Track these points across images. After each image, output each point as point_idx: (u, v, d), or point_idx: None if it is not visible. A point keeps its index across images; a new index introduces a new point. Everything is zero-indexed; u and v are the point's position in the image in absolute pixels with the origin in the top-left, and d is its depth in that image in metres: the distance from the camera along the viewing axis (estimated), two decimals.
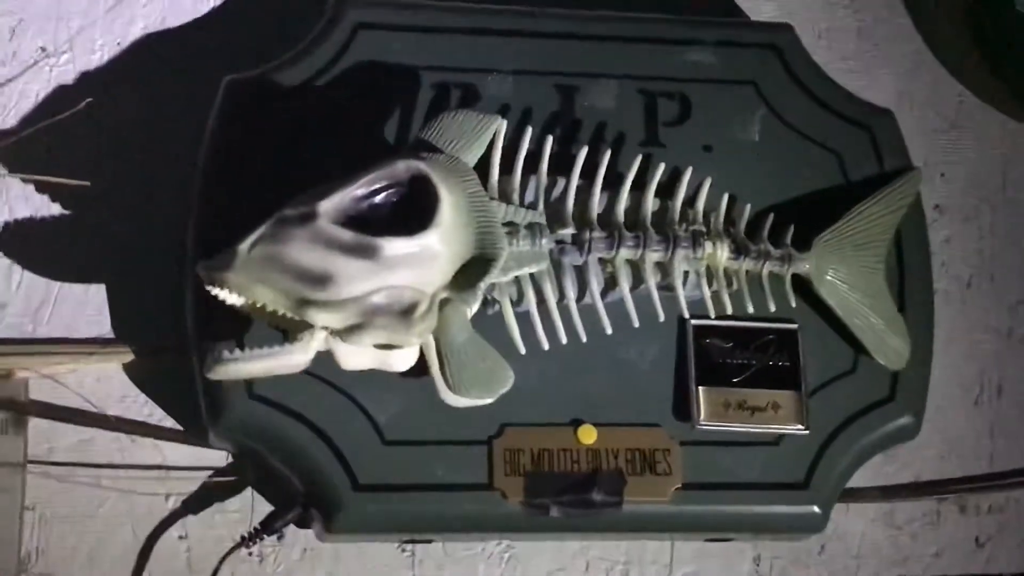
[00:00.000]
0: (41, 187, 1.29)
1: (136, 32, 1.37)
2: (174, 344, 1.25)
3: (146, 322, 1.29)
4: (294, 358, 1.12)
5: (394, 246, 1.10)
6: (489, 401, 1.17)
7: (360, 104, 1.30)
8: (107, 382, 1.28)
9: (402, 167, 1.14)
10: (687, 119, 1.35)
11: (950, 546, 1.41)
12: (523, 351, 1.21)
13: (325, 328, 1.11)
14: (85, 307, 1.30)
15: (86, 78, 1.35)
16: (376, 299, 1.11)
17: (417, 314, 1.12)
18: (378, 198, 1.14)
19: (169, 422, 1.29)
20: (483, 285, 1.14)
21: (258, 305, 1.11)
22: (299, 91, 1.29)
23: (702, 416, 1.27)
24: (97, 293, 1.30)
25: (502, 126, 1.22)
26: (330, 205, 1.12)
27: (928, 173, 1.46)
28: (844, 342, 1.31)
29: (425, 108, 1.30)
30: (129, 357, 1.28)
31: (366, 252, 1.10)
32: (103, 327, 1.30)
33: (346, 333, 1.11)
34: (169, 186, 1.31)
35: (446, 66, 1.32)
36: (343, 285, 1.10)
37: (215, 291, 1.10)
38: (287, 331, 1.15)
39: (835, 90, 1.40)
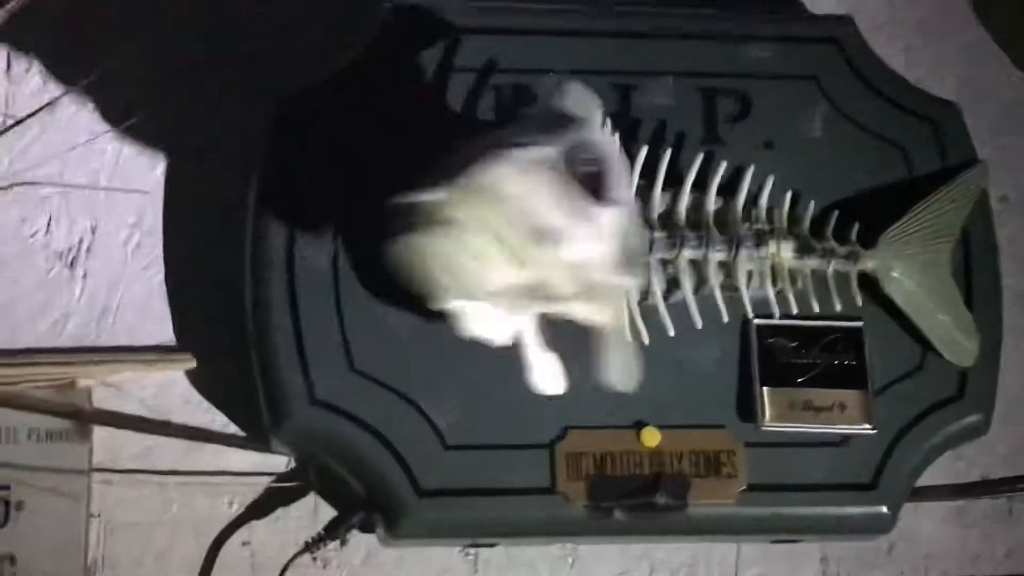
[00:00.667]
0: (102, 196, 1.30)
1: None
2: (235, 351, 1.25)
3: (207, 329, 1.30)
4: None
5: (611, 216, 1.02)
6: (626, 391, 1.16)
7: (412, 111, 1.29)
8: (169, 389, 1.29)
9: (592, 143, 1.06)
10: (747, 116, 1.33)
11: (1022, 545, 1.38)
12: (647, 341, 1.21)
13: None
14: (147, 315, 1.31)
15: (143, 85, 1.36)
16: (590, 273, 1.04)
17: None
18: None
19: (232, 428, 1.30)
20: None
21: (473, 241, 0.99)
22: (353, 105, 1.28)
23: (767, 417, 1.25)
24: (159, 301, 1.31)
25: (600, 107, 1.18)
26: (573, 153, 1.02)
27: (992, 164, 1.41)
28: (911, 340, 1.29)
29: (483, 113, 1.29)
30: (191, 364, 1.29)
31: (596, 217, 1.02)
32: (165, 335, 1.30)
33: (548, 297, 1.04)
34: (225, 191, 1.31)
35: (501, 67, 1.31)
36: (570, 246, 1.01)
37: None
38: None
39: (897, 83, 1.38)
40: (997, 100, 1.50)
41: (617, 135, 1.19)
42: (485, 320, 1.09)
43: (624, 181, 1.05)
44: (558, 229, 0.99)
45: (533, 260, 1.00)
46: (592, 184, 1.02)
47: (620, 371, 1.14)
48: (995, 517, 1.39)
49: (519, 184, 0.98)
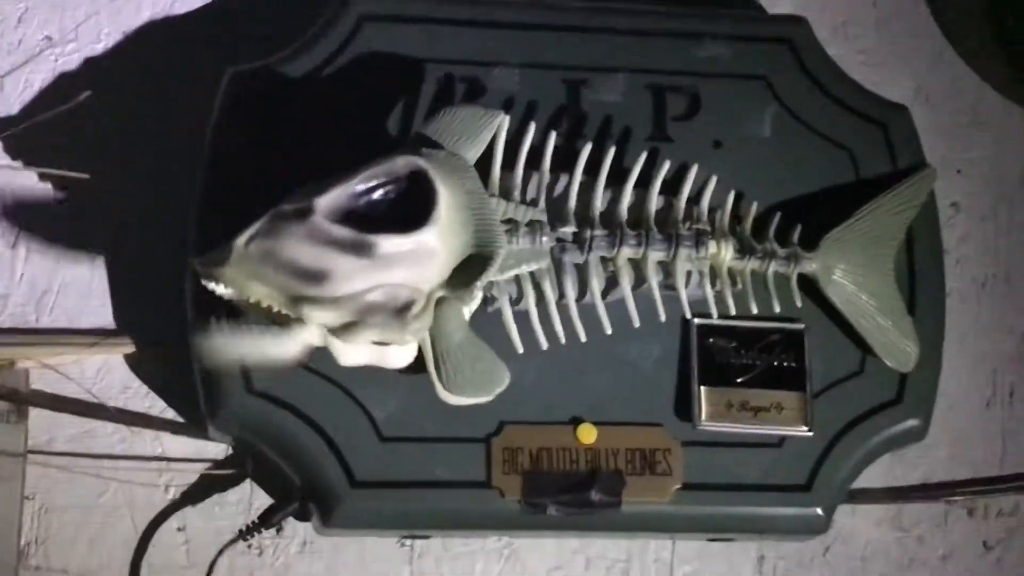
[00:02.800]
0: (43, 178, 1.30)
1: (141, 21, 1.37)
2: (175, 337, 1.24)
3: (148, 314, 1.30)
4: (285, 345, 1.12)
5: (390, 243, 1.09)
6: (486, 401, 1.16)
7: (364, 96, 1.29)
8: (109, 373, 1.29)
9: (400, 163, 1.13)
10: (696, 114, 1.33)
11: (958, 550, 1.39)
12: (521, 351, 1.20)
13: (320, 325, 1.11)
14: (88, 298, 1.30)
15: (91, 67, 1.35)
16: (372, 297, 1.10)
17: (412, 312, 1.11)
18: (376, 194, 1.13)
19: (170, 414, 1.30)
20: (480, 284, 1.13)
21: (252, 301, 1.10)
22: (302, 83, 1.28)
23: (704, 416, 1.25)
24: (100, 284, 1.31)
25: (504, 122, 1.21)
26: (327, 201, 1.11)
27: (945, 170, 1.44)
28: (852, 343, 1.29)
29: (430, 101, 1.29)
30: (131, 349, 1.29)
31: (362, 249, 1.09)
32: (105, 318, 1.30)
33: (341, 331, 1.11)
34: (172, 177, 1.31)
35: (451, 59, 1.31)
36: (338, 282, 1.09)
37: (211, 286, 1.10)
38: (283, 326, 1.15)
39: (849, 86, 1.37)
40: (953, 104, 1.50)
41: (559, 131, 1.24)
42: (351, 352, 1.14)
43: (440, 203, 1.10)
44: (323, 269, 1.07)
45: (310, 301, 1.08)
46: (390, 210, 1.11)
47: (468, 383, 1.15)
48: (932, 521, 1.39)
49: (284, 236, 1.08)
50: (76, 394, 1.27)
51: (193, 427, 1.27)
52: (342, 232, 1.09)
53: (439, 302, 1.13)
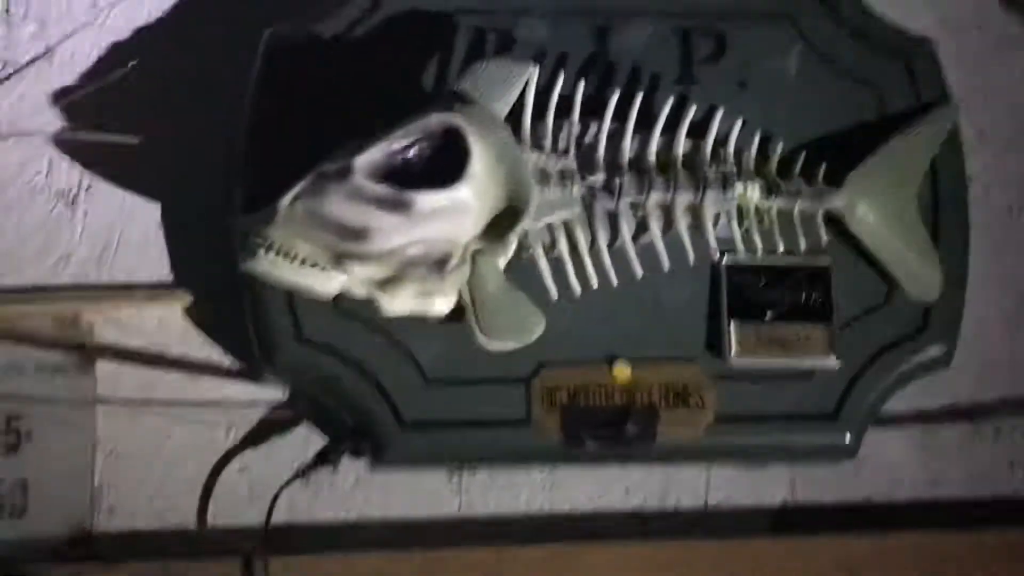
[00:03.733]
0: (97, 143, 1.35)
1: None
2: (230, 289, 1.30)
3: (203, 267, 1.35)
4: (323, 284, 1.18)
5: (427, 200, 1.14)
6: (521, 346, 1.21)
7: (397, 51, 1.33)
8: (168, 325, 1.35)
9: (434, 120, 1.18)
10: (722, 55, 1.36)
11: (983, 470, 1.43)
12: (555, 297, 1.25)
13: (364, 279, 1.17)
14: (145, 253, 1.37)
15: (136, 32, 1.40)
16: (411, 252, 1.16)
17: (450, 265, 1.16)
18: (412, 152, 1.18)
19: (227, 361, 1.36)
20: (513, 236, 1.18)
21: (300, 258, 1.16)
22: (337, 41, 1.33)
23: (735, 351, 1.30)
24: (157, 240, 1.37)
25: (534, 74, 1.25)
26: (365, 160, 1.16)
27: (971, 99, 1.45)
28: (877, 276, 1.33)
29: (462, 53, 1.33)
30: (188, 301, 1.35)
31: (400, 206, 1.14)
32: (163, 272, 1.37)
33: (384, 284, 1.17)
34: (221, 135, 1.35)
35: (481, 9, 1.34)
36: (379, 239, 1.15)
37: (259, 243, 1.16)
38: None
39: (873, 21, 1.40)
40: (978, 33, 1.51)
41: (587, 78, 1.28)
42: (395, 302, 1.19)
43: (474, 159, 1.15)
44: (365, 226, 1.13)
45: (353, 256, 1.14)
46: (426, 167, 1.16)
47: (505, 330, 1.20)
48: (959, 441, 1.43)
49: (326, 196, 1.14)
50: (139, 345, 1.34)
51: (250, 373, 1.34)
52: (381, 190, 1.15)
53: (475, 254, 1.19)
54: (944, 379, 1.41)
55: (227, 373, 1.35)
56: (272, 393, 1.35)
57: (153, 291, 1.35)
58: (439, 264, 1.16)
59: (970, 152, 1.41)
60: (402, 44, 1.33)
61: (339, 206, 1.15)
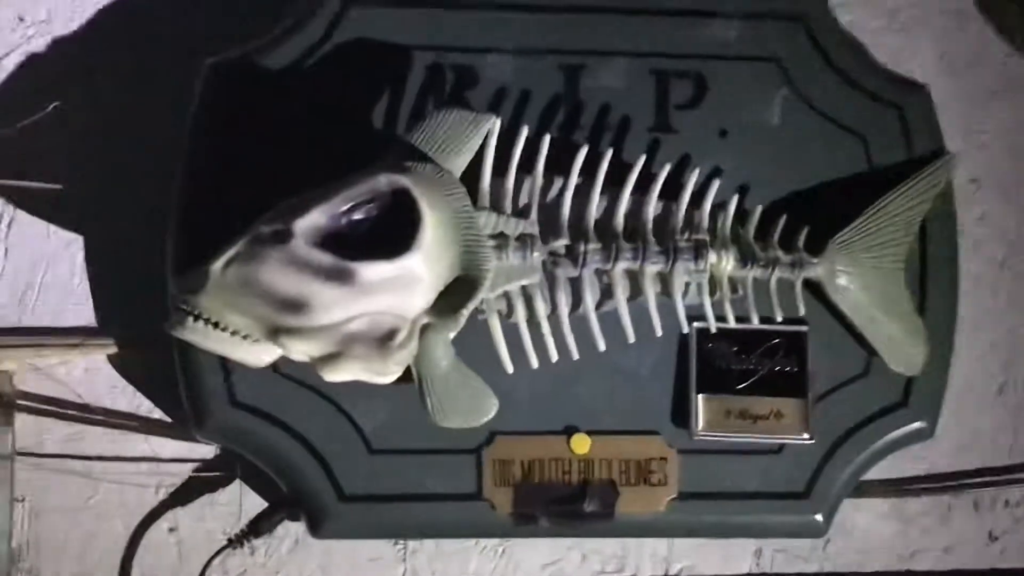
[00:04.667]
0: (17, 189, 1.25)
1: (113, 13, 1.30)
2: (159, 335, 1.19)
3: (131, 312, 1.26)
4: (253, 356, 1.10)
5: (372, 270, 1.05)
6: (473, 427, 1.13)
7: (349, 86, 1.23)
8: (96, 373, 1.27)
9: (383, 181, 1.08)
10: (702, 101, 1.26)
11: (961, 541, 1.36)
12: (510, 370, 1.16)
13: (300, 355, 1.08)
14: (70, 296, 1.27)
15: (65, 63, 1.29)
16: (354, 326, 1.06)
17: (396, 342, 1.07)
18: (357, 214, 1.09)
19: (157, 414, 1.28)
20: (467, 310, 1.09)
21: (230, 332, 1.07)
22: (285, 73, 1.22)
23: (701, 425, 1.22)
24: (81, 283, 1.28)
25: (495, 126, 1.15)
26: (306, 224, 1.06)
27: (966, 143, 1.37)
28: (856, 344, 1.25)
29: (418, 90, 1.23)
30: (115, 348, 1.26)
31: (343, 277, 1.05)
32: (88, 317, 1.27)
33: (322, 362, 1.08)
34: (152, 174, 1.26)
35: (442, 45, 1.24)
36: (318, 312, 1.05)
37: (187, 310, 1.07)
38: None
39: (865, 65, 1.30)
40: (975, 72, 1.41)
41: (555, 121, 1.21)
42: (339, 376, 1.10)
43: (425, 225, 1.06)
44: (303, 298, 1.04)
45: (290, 331, 1.05)
46: (372, 232, 1.07)
47: (456, 412, 1.12)
48: (936, 512, 1.36)
49: (261, 262, 1.05)
50: (63, 395, 1.25)
51: (181, 428, 1.25)
52: (322, 258, 1.05)
53: (424, 329, 1.09)
54: (921, 445, 1.33)
55: (156, 427, 1.27)
56: (204, 449, 1.27)
57: (77, 337, 1.25)
58: (384, 340, 1.07)
59: (962, 201, 1.32)
60: (354, 79, 1.23)
61: (275, 275, 1.05)
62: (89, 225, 1.28)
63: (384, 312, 1.06)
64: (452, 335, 1.12)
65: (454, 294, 1.08)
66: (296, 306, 1.05)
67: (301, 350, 1.07)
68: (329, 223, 1.07)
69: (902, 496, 1.35)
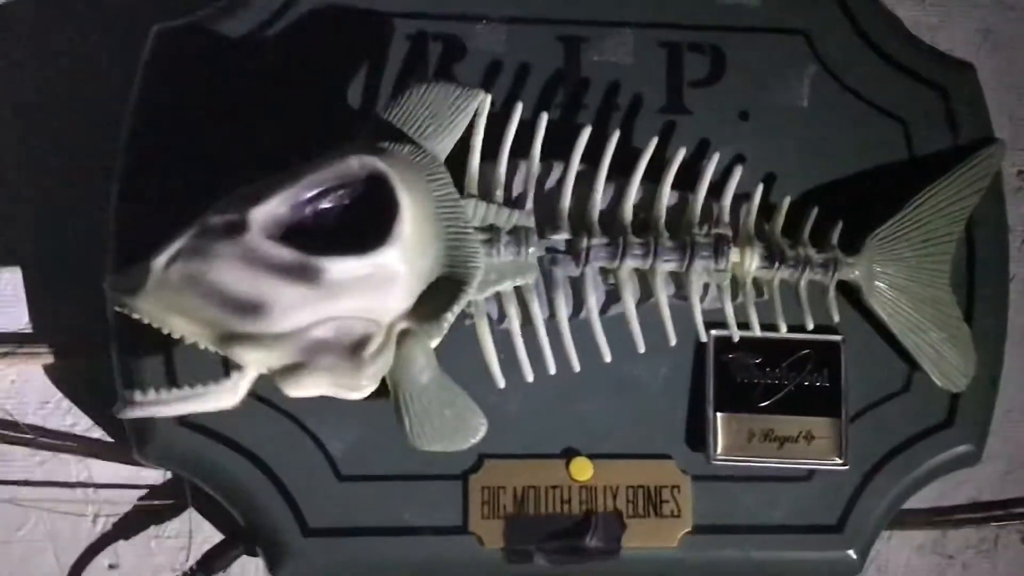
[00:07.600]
0: None
1: None
2: (99, 344, 1.08)
3: (68, 318, 1.15)
4: (220, 400, 0.94)
5: (341, 267, 0.91)
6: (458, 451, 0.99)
7: (319, 57, 1.10)
8: (25, 385, 1.16)
9: (355, 164, 0.93)
10: (719, 79, 1.14)
11: None
12: (501, 384, 1.02)
13: (257, 367, 0.93)
14: None
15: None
16: (319, 333, 0.92)
17: (369, 351, 0.93)
18: (324, 202, 0.94)
19: (98, 432, 1.16)
20: (452, 315, 0.94)
21: (174, 337, 0.92)
22: (243, 42, 1.09)
23: (719, 448, 1.10)
24: (13, 285, 1.16)
25: (485, 102, 1.01)
26: (263, 213, 0.92)
27: (1013, 130, 1.27)
28: (896, 356, 1.13)
29: (397, 65, 1.10)
30: (49, 358, 1.15)
31: (307, 275, 0.90)
32: (20, 323, 1.15)
33: (283, 374, 0.93)
34: (92, 161, 1.14)
35: (424, 12, 1.11)
36: (278, 316, 0.91)
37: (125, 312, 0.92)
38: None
39: (904, 39, 1.17)
40: (1020, 51, 1.30)
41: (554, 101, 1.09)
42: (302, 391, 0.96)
43: (403, 216, 0.92)
44: (260, 300, 0.91)
45: (244, 338, 0.92)
46: (341, 223, 0.94)
47: (438, 435, 0.98)
48: (981, 546, 1.26)
49: (211, 258, 0.91)
50: None
51: (124, 449, 1.12)
52: (282, 253, 0.91)
53: (401, 336, 0.95)
54: (965, 472, 1.20)
55: (96, 448, 1.16)
56: (151, 474, 1.16)
57: (7, 345, 1.14)
58: (355, 349, 0.93)
59: (1010, 195, 1.20)
60: (325, 49, 1.09)
61: (228, 273, 0.91)
62: (21, 212, 1.15)
63: (355, 316, 0.92)
64: (434, 343, 0.98)
65: (437, 296, 0.94)
66: (252, 309, 0.91)
67: (258, 361, 0.92)
68: (291, 213, 0.93)
69: (944, 528, 1.24)
